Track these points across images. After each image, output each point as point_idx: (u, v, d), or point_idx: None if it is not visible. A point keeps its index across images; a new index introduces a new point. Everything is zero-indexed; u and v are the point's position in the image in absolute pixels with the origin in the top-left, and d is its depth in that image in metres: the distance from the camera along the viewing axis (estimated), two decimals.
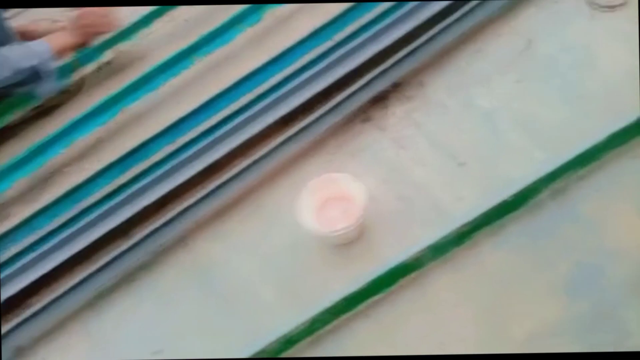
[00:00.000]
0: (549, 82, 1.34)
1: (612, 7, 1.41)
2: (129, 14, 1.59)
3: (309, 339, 1.12)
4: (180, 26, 1.64)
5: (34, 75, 1.47)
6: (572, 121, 1.27)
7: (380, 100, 1.42)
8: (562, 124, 1.28)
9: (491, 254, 1.15)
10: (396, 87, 1.42)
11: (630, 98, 1.27)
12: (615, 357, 1.01)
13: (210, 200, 1.32)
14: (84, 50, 1.56)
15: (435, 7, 1.43)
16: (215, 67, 1.54)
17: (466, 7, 1.42)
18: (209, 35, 1.52)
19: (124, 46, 1.60)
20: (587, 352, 1.02)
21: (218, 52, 1.53)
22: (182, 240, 1.32)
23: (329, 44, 1.46)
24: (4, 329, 1.24)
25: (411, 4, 1.43)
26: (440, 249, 1.12)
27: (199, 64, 1.53)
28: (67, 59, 1.54)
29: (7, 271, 1.30)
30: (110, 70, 1.62)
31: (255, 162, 1.35)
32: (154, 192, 1.35)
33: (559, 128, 1.27)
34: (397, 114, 1.40)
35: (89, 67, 1.60)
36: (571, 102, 1.30)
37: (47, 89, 1.52)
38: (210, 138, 1.39)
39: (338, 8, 1.50)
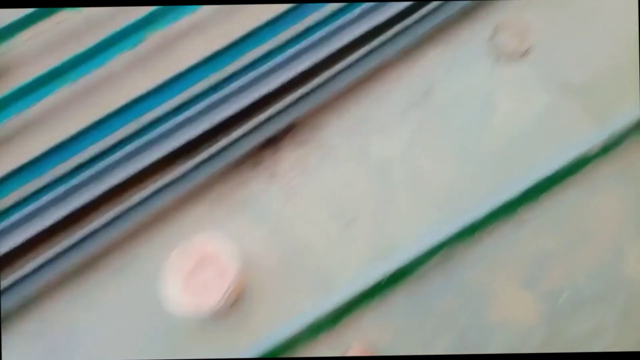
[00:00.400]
0: (445, 134, 1.30)
1: (515, 56, 1.37)
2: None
3: None
4: (59, 37, 1.42)
5: None
6: (463, 180, 1.24)
7: (272, 143, 1.30)
8: (453, 182, 1.24)
9: (372, 329, 1.09)
10: (290, 129, 1.32)
11: (524, 156, 1.25)
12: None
13: (68, 255, 1.17)
14: None
15: (338, 44, 1.33)
16: (87, 93, 1.35)
17: (368, 47, 1.33)
18: (82, 55, 1.33)
19: None
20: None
21: (92, 75, 1.34)
22: (31, 303, 1.16)
23: (220, 74, 1.32)
24: None
25: (313, 38, 1.32)
26: (317, 329, 1.05)
27: (69, 87, 1.33)
28: None
29: None
30: None
31: (126, 211, 1.21)
32: (2, 244, 1.17)
33: (449, 186, 1.23)
34: (289, 159, 1.29)
35: None
36: (465, 159, 1.27)
37: None
38: (75, 179, 1.22)
39: (234, 34, 1.35)
